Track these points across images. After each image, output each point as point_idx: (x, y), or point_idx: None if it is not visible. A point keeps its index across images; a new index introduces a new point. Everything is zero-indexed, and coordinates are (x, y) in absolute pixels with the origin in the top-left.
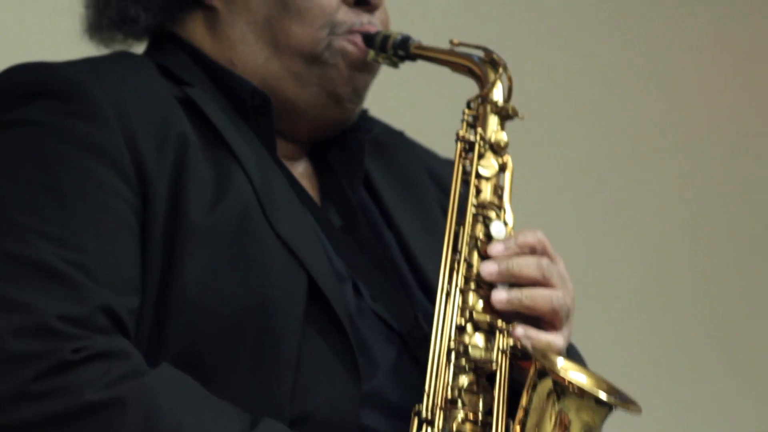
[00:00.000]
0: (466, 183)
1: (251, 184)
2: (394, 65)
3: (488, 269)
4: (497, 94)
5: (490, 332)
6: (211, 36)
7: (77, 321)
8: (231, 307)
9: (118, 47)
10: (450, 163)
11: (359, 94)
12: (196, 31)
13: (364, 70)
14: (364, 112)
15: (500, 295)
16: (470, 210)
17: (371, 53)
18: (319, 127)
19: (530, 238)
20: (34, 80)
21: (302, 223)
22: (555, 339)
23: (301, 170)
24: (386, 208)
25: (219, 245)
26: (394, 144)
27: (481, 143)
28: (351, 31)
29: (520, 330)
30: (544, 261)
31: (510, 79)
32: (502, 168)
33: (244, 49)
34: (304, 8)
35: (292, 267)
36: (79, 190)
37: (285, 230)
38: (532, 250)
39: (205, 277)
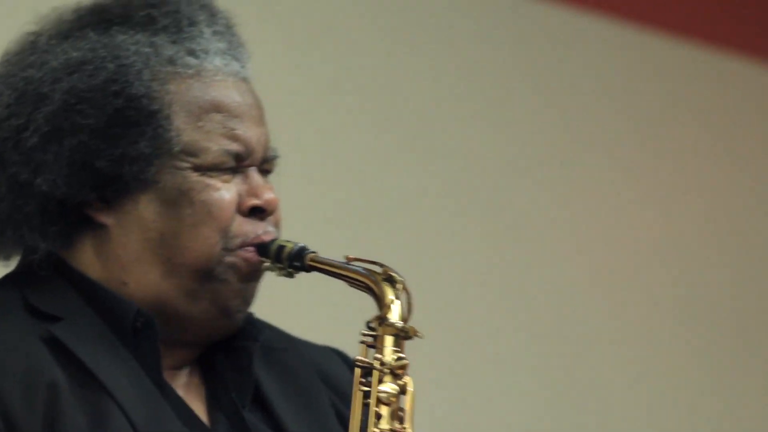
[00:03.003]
0: (366, 407)
1: (130, 423)
2: (290, 276)
3: None
4: (395, 315)
5: None
6: (100, 257)
7: None
8: None
9: None
10: (337, 357)
11: (248, 302)
12: (85, 254)
13: (255, 279)
14: (250, 315)
15: None
16: None
17: (266, 263)
18: (207, 336)
19: None
20: None
21: None
22: None
23: (186, 380)
24: (280, 423)
25: None
26: (284, 348)
27: (380, 368)
28: (244, 245)
29: None
30: None
31: (409, 296)
32: (402, 391)
33: (137, 269)
34: (200, 221)
35: None
36: None
37: None
38: None
39: None
